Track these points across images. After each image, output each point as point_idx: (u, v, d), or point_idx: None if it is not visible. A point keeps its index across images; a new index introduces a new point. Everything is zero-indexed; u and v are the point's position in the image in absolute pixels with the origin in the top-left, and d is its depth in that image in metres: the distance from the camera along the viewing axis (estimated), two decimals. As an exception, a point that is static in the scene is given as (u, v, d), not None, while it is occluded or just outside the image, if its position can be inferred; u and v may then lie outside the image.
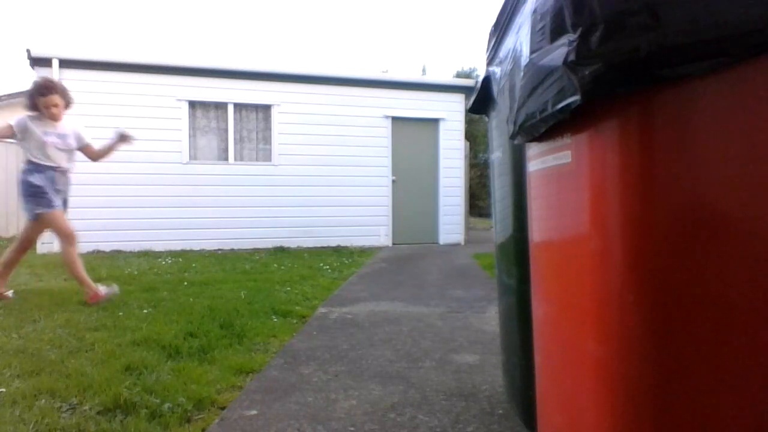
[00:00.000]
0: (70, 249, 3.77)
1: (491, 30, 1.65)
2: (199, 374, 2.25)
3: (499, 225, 1.91)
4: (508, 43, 1.32)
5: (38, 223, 3.77)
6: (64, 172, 3.86)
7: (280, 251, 7.86)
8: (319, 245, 8.48)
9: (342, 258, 7.01)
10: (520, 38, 1.09)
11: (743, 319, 0.81)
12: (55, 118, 3.76)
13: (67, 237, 3.76)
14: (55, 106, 3.73)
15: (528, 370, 1.48)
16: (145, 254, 7.29)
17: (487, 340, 2.88)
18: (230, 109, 8.42)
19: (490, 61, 1.71)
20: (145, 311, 3.47)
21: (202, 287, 4.49)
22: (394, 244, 8.95)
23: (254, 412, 1.93)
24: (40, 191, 3.67)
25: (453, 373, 2.36)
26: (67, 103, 3.86)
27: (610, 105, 0.84)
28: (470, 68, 25.03)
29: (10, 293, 3.91)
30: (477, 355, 2.63)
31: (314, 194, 8.58)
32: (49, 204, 3.70)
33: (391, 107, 8.96)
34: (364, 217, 8.84)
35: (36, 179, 3.67)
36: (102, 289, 3.75)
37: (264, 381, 2.25)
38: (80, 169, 7.60)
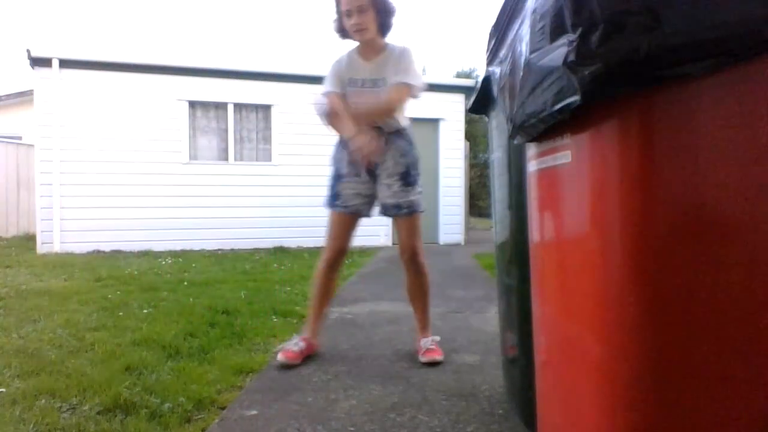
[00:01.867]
0: (321, 266, 2.56)
1: (491, 30, 1.65)
2: (199, 374, 2.25)
3: (499, 225, 1.91)
4: (508, 43, 1.32)
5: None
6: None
7: (280, 251, 7.86)
8: (319, 245, 8.40)
9: (342, 258, 7.00)
10: (520, 38, 1.09)
11: (743, 318, 0.81)
12: (364, 45, 2.35)
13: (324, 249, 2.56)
14: (359, 25, 2.25)
15: (528, 370, 1.48)
16: (145, 254, 7.29)
17: (487, 340, 2.88)
18: (230, 109, 8.42)
19: (490, 61, 1.71)
20: (145, 311, 3.47)
21: (203, 287, 4.49)
22: (394, 244, 8.94)
23: (254, 412, 1.93)
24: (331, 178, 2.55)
25: (453, 373, 2.36)
26: (384, 17, 2.30)
27: (610, 105, 0.84)
28: (470, 68, 25.06)
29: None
30: (477, 355, 2.63)
31: (314, 194, 8.55)
32: (329, 200, 2.55)
33: (391, 107, 8.95)
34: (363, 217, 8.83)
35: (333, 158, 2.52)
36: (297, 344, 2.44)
37: (264, 381, 2.25)
38: (80, 168, 7.67)
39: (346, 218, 2.52)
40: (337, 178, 2.51)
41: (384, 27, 2.33)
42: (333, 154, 2.53)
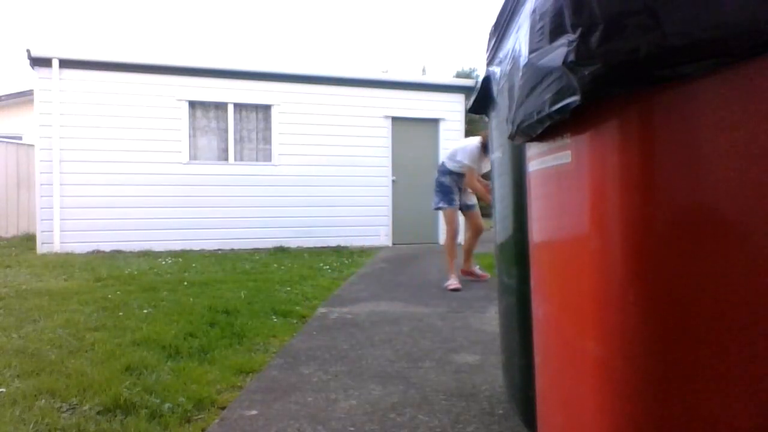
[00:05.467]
0: (448, 241, 4.91)
1: (491, 30, 1.65)
2: (199, 374, 2.25)
3: (499, 225, 1.91)
4: (508, 43, 1.32)
5: (444, 216, 4.92)
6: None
7: (280, 251, 7.86)
8: (319, 245, 8.47)
9: (342, 258, 7.01)
10: (520, 38, 1.09)
11: (743, 319, 0.81)
12: None
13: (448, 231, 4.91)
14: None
15: (528, 370, 1.48)
16: (145, 254, 7.29)
17: (487, 340, 2.88)
18: (230, 109, 8.42)
19: (490, 61, 1.71)
20: (145, 311, 3.47)
21: (202, 287, 4.49)
22: (394, 244, 8.95)
23: (254, 412, 1.93)
24: (447, 190, 4.80)
25: (453, 373, 2.36)
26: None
27: (609, 105, 0.84)
28: (470, 68, 25.01)
29: (477, 269, 5.17)
30: (477, 355, 2.63)
31: (314, 194, 8.58)
32: (450, 202, 4.79)
33: (391, 107, 8.95)
34: (364, 217, 8.84)
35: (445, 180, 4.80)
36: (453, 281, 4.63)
37: (264, 381, 2.25)
38: (80, 169, 7.67)
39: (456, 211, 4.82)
40: (451, 191, 4.80)
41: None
42: (447, 182, 4.82)
